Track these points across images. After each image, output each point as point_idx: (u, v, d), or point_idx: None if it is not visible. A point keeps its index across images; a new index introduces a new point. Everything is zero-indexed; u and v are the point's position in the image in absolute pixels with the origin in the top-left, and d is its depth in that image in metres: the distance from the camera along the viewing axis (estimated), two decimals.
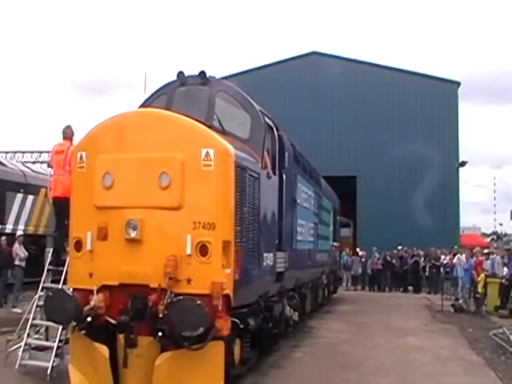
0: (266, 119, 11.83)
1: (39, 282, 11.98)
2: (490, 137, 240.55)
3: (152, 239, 8.86)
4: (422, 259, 34.36)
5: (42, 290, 11.53)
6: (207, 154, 8.86)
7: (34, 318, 11.56)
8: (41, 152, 50.87)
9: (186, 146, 8.96)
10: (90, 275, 9.13)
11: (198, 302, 8.17)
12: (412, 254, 34.69)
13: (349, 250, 36.82)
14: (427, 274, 34.02)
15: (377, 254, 35.24)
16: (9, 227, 26.66)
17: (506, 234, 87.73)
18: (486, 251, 28.44)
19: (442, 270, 31.61)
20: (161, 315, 8.34)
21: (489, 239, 76.35)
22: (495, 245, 43.00)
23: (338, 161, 38.88)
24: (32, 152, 50.98)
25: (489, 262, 24.92)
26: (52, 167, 12.75)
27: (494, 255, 25.60)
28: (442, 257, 32.73)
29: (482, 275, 23.22)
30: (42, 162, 47.08)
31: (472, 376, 12.17)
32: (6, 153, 48.03)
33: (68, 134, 12.63)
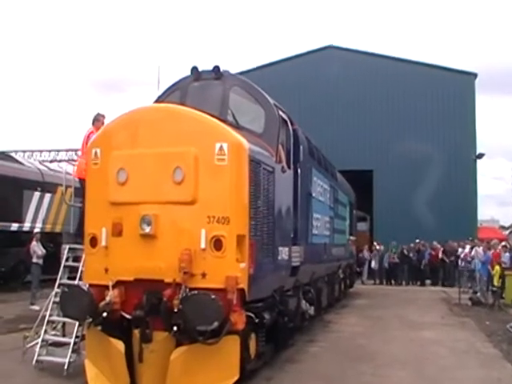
0: (281, 113, 11.81)
1: (57, 279, 12.04)
2: (506, 129, 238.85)
3: (166, 234, 8.90)
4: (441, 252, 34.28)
5: (59, 286, 11.57)
6: (221, 148, 8.88)
7: (50, 315, 11.61)
8: (58, 151, 51.05)
9: (199, 141, 8.98)
10: (106, 271, 9.19)
11: (213, 296, 8.20)
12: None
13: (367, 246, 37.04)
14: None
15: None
16: (27, 225, 26.91)
17: None
18: (503, 243, 28.29)
19: (459, 262, 31.45)
20: (176, 310, 8.37)
21: (507, 232, 75.80)
22: None
23: (355, 155, 38.74)
24: (50, 151, 51.15)
25: (507, 254, 24.77)
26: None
27: None
28: (460, 250, 32.53)
29: (497, 267, 22.99)
30: (60, 161, 47.28)
31: (488, 368, 12.08)
32: (24, 151, 48.21)
33: (92, 120, 12.99)
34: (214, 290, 8.38)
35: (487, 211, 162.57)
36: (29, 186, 27.57)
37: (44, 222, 28.30)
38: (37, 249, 21.00)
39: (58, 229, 28.55)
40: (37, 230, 25.70)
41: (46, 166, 32.05)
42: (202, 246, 8.64)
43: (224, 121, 9.95)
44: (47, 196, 28.55)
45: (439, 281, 33.84)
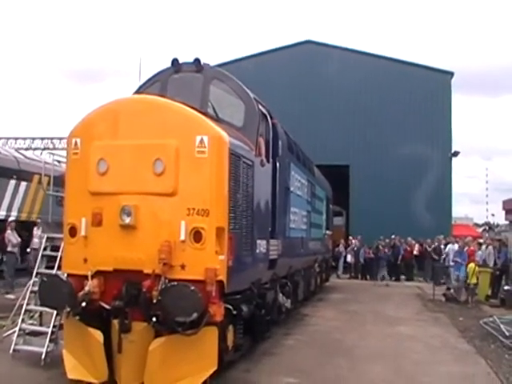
0: (260, 107, 11.85)
1: (32, 268, 12.00)
2: (480, 128, 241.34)
3: (146, 225, 8.89)
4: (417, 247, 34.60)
5: (37, 275, 11.54)
6: (201, 140, 8.88)
7: (28, 304, 11.60)
8: (34, 138, 50.98)
9: (180, 133, 8.98)
10: (85, 261, 9.16)
11: (192, 287, 8.21)
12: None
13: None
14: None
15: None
16: (1, 213, 26.70)
17: (498, 225, 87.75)
18: (481, 240, 28.52)
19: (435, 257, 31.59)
20: (155, 301, 8.38)
21: (481, 229, 76.34)
22: (487, 235, 42.99)
23: (331, 150, 38.74)
24: (25, 138, 51.09)
25: (480, 252, 25.02)
26: None
27: (489, 246, 25.62)
28: (435, 244, 32.74)
29: (472, 265, 23.20)
30: (35, 149, 47.19)
31: (462, 364, 12.26)
32: None
33: None
34: (193, 281, 8.39)
35: (461, 209, 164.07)
36: (4, 173, 27.34)
37: (19, 211, 28.12)
38: (12, 237, 20.91)
39: (33, 217, 28.25)
40: (12, 218, 25.55)
41: (21, 154, 31.82)
42: (182, 237, 8.64)
43: (204, 113, 9.95)
44: (23, 184, 28.35)
45: (414, 276, 34.17)
